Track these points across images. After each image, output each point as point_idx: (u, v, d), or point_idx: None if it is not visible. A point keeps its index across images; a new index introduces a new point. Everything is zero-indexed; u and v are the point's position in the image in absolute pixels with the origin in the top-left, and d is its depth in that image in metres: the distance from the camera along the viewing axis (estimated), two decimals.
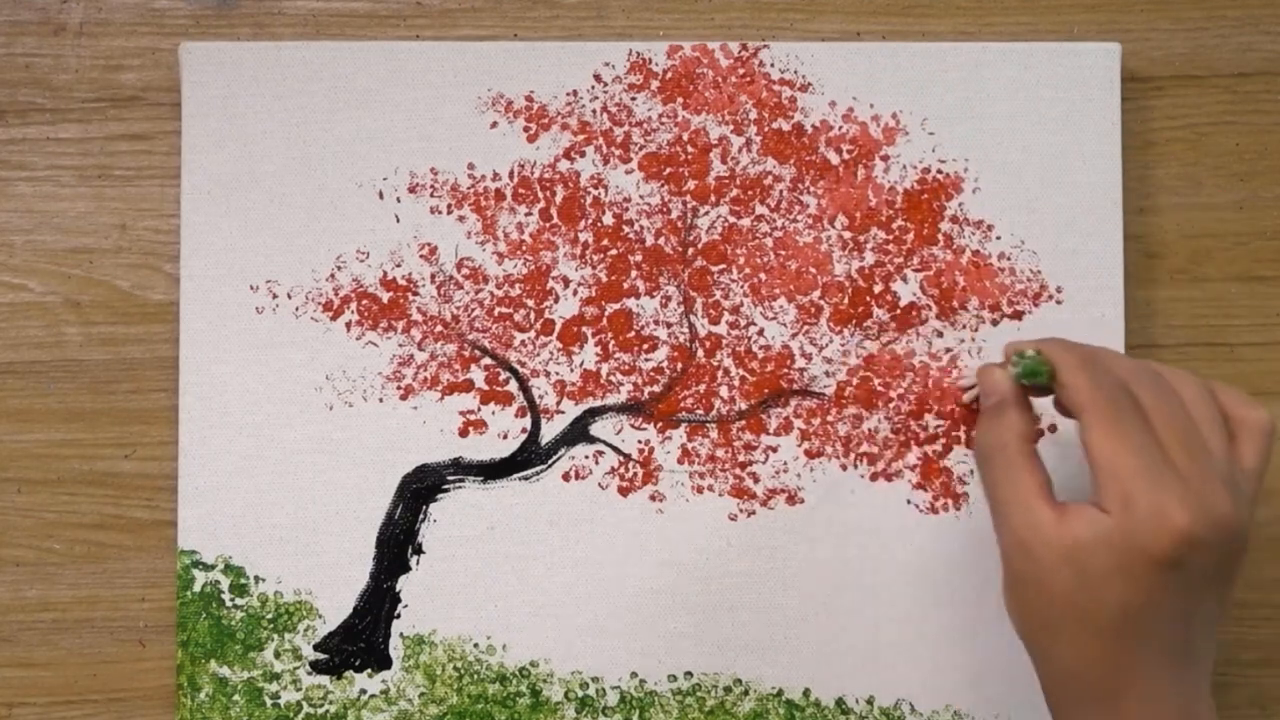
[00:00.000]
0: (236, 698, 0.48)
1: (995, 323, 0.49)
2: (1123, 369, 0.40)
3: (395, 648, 0.48)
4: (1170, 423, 0.38)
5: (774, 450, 0.49)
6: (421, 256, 0.49)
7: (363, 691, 0.48)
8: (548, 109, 0.49)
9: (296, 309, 0.49)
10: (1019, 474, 0.40)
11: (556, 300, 0.49)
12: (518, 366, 0.49)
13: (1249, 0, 0.51)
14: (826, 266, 0.49)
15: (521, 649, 0.48)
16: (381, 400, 0.49)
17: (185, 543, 0.48)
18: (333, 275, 0.49)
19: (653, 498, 0.49)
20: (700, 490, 0.49)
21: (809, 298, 0.49)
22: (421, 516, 0.48)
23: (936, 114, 0.49)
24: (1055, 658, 0.39)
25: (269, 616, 0.48)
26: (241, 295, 0.48)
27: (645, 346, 0.49)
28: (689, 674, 0.49)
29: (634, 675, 0.49)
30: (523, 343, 0.49)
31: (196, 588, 0.48)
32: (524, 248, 0.49)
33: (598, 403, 0.49)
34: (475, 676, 0.48)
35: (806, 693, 0.49)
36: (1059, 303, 0.49)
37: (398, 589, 0.48)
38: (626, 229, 0.49)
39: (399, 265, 0.49)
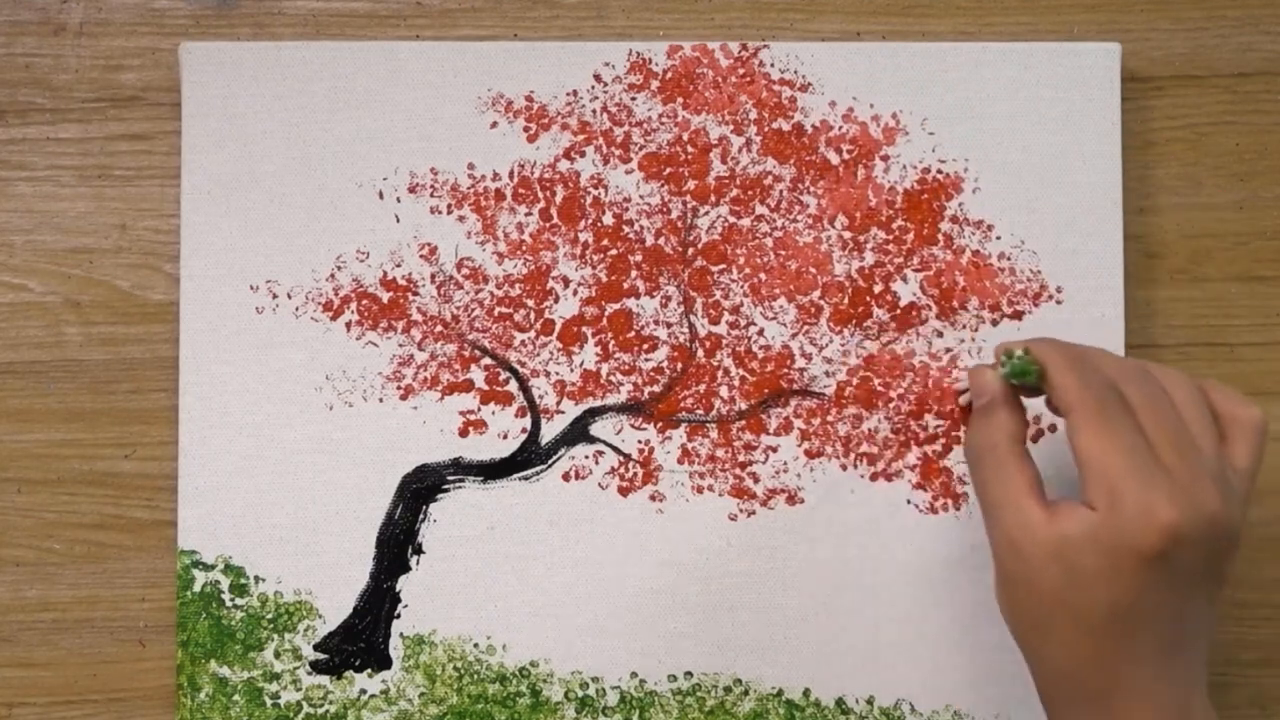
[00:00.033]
0: (236, 698, 0.48)
1: (995, 323, 0.49)
2: (1112, 368, 0.40)
3: (395, 648, 0.48)
4: (1159, 421, 0.38)
5: (774, 450, 0.49)
6: (421, 256, 0.49)
7: (363, 691, 0.48)
8: (548, 109, 0.49)
9: (296, 309, 0.49)
10: (1009, 473, 0.40)
11: (556, 300, 0.49)
12: (518, 366, 0.49)
13: (1249, 0, 0.51)
14: (826, 266, 0.49)
15: (521, 649, 0.48)
16: (381, 400, 0.49)
17: (185, 543, 0.48)
18: (333, 275, 0.49)
19: (653, 498, 0.49)
20: (700, 490, 0.49)
21: (809, 298, 0.49)
22: (421, 516, 0.48)
23: (936, 114, 0.49)
24: (1047, 656, 0.39)
25: (269, 616, 0.48)
26: (241, 295, 0.48)
27: (645, 346, 0.49)
28: (689, 674, 0.49)
29: (634, 675, 0.49)
30: (523, 343, 0.49)
31: (196, 588, 0.48)
32: (524, 248, 0.49)
33: (598, 403, 0.49)
34: (475, 676, 0.48)
35: (806, 693, 0.49)
36: (1059, 303, 0.49)
37: (398, 589, 0.48)
38: (626, 229, 0.49)
39: (399, 265, 0.49)
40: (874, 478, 0.49)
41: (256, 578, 0.48)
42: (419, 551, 0.48)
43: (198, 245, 0.48)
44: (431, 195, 0.49)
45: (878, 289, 0.49)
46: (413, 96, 0.49)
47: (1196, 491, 0.37)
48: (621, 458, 0.49)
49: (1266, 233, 0.51)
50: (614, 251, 0.49)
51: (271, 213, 0.49)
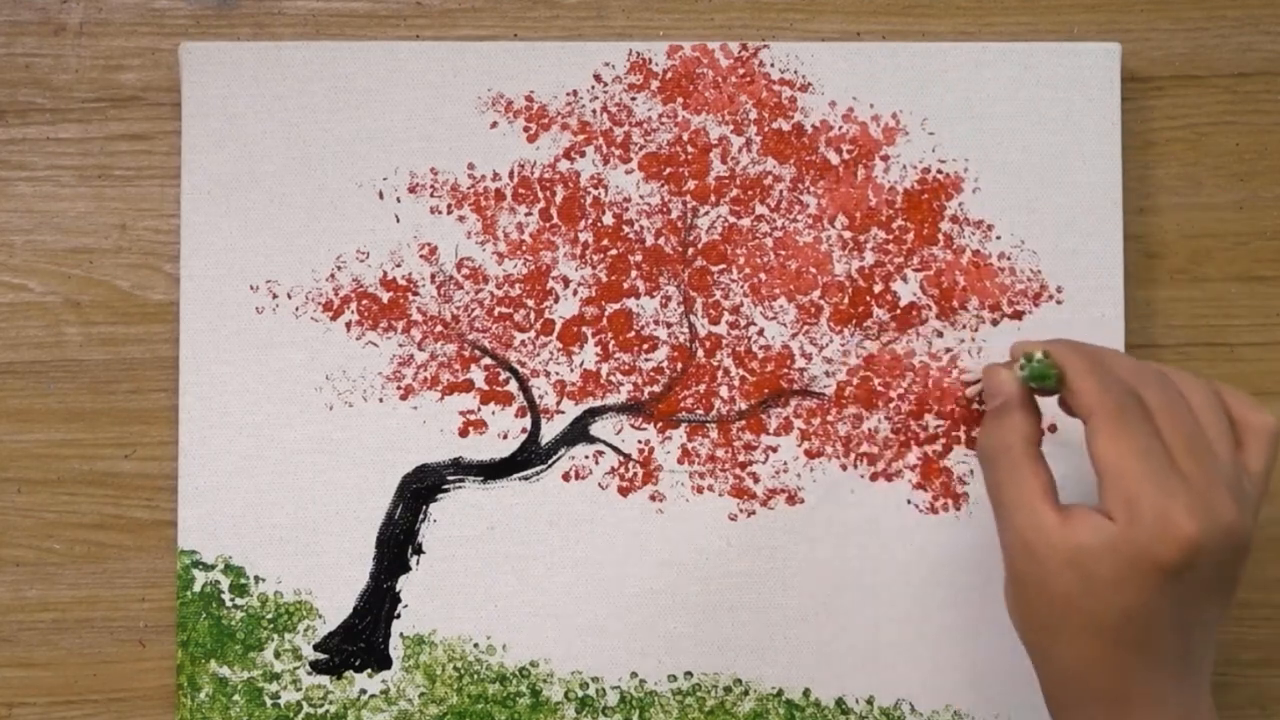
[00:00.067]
0: (236, 698, 0.48)
1: (995, 323, 0.49)
2: (1129, 372, 0.40)
3: (395, 648, 0.48)
4: (1177, 427, 0.38)
5: (774, 450, 0.49)
6: (421, 256, 0.49)
7: (363, 691, 0.48)
8: (548, 109, 0.49)
9: (296, 309, 0.49)
10: (1023, 476, 0.40)
11: (556, 300, 0.49)
12: (518, 366, 0.49)
13: (1249, 0, 0.51)
14: (826, 266, 0.49)
15: (521, 649, 0.48)
16: (381, 400, 0.49)
17: (185, 543, 0.48)
18: (333, 275, 0.49)
19: (653, 498, 0.49)
20: (700, 490, 0.49)
21: (809, 298, 0.49)
22: (421, 516, 0.48)
23: (936, 114, 0.49)
24: (1055, 659, 0.39)
25: (269, 616, 0.48)
26: (241, 295, 0.48)
27: (645, 346, 0.49)
28: (689, 674, 0.49)
29: (634, 675, 0.49)
30: (523, 343, 0.49)
31: (196, 588, 0.48)
32: (524, 248, 0.49)
33: (598, 403, 0.49)
34: (475, 676, 0.48)
35: (806, 693, 0.49)
36: (1059, 303, 0.49)
37: (398, 589, 0.48)
38: (626, 229, 0.49)
39: (399, 265, 0.49)
40: (874, 478, 0.49)
41: (256, 578, 0.48)
42: (419, 551, 0.48)
43: (198, 245, 0.48)
44: (431, 195, 0.49)
45: (878, 289, 0.49)
46: (413, 96, 0.49)
47: (1214, 501, 0.37)
48: (621, 458, 0.49)
49: (1266, 233, 0.51)
50: (614, 251, 0.49)
51: (271, 213, 0.49)
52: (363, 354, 0.49)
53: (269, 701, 0.48)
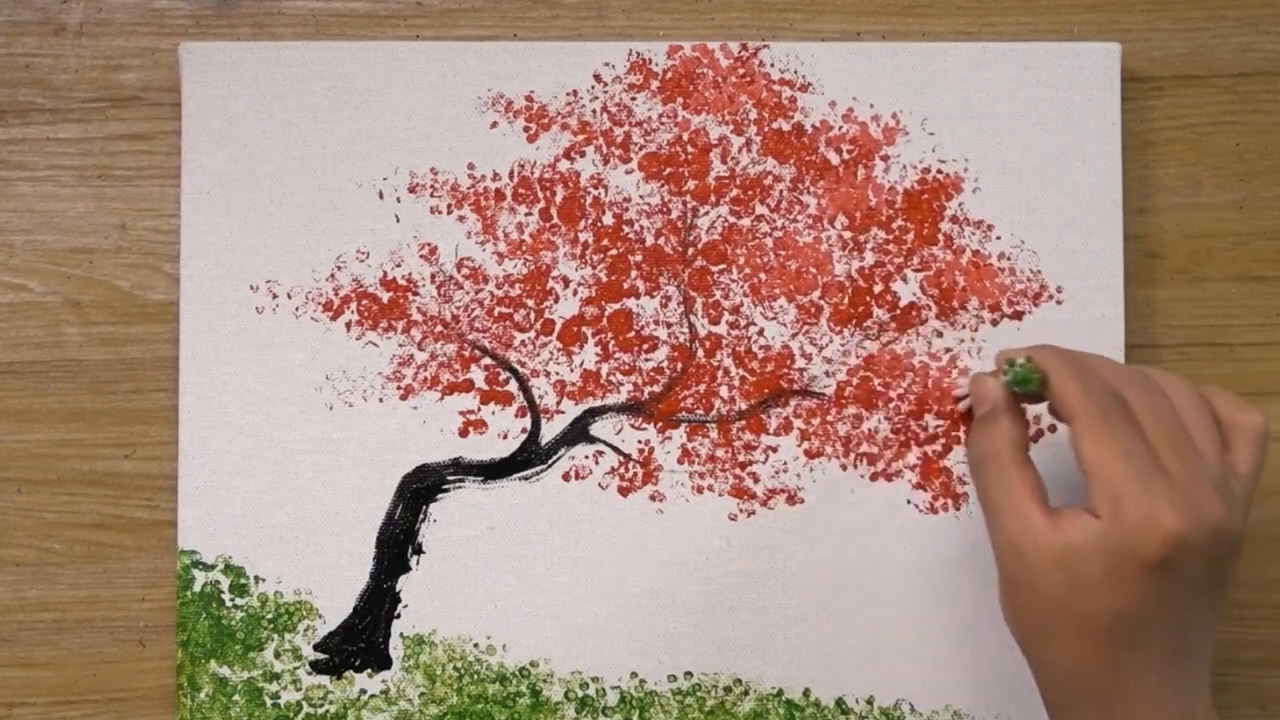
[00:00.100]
0: (236, 698, 0.48)
1: (995, 323, 0.49)
2: (1113, 374, 0.40)
3: (395, 648, 0.48)
4: (1161, 427, 0.38)
5: (774, 450, 0.49)
6: (421, 256, 0.49)
7: (363, 691, 0.48)
8: (548, 109, 0.49)
9: (296, 309, 0.49)
10: (1012, 480, 0.40)
11: (556, 300, 0.49)
12: (518, 366, 0.49)
13: (1249, 0, 0.51)
14: (826, 266, 0.49)
15: (521, 649, 0.48)
16: (381, 400, 0.49)
17: (185, 543, 0.48)
18: (333, 275, 0.49)
19: (653, 498, 0.49)
20: (700, 490, 0.49)
21: (809, 298, 0.49)
22: (421, 516, 0.48)
23: (936, 114, 0.49)
24: (1050, 661, 0.39)
25: (269, 616, 0.48)
26: (241, 295, 0.48)
27: (645, 346, 0.49)
28: (689, 674, 0.49)
29: (634, 675, 0.49)
30: (523, 343, 0.49)
31: (196, 588, 0.48)
32: (524, 248, 0.49)
33: (598, 403, 0.49)
34: (475, 676, 0.48)
35: (806, 693, 0.49)
36: (1059, 303, 0.49)
37: (398, 589, 0.48)
38: (626, 229, 0.49)
39: (399, 265, 0.49)
40: (874, 478, 0.49)
41: (256, 578, 0.48)
42: (419, 551, 0.48)
43: (198, 245, 0.48)
44: (431, 195, 0.49)
45: (878, 289, 0.49)
46: (413, 96, 0.49)
47: (1199, 498, 0.37)
48: (621, 458, 0.49)
49: (1266, 233, 0.51)
50: (614, 251, 0.49)
51: (271, 213, 0.49)
52: (363, 354, 0.49)
53: (269, 701, 0.48)
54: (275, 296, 0.49)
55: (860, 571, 0.49)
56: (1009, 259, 0.49)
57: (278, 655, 0.48)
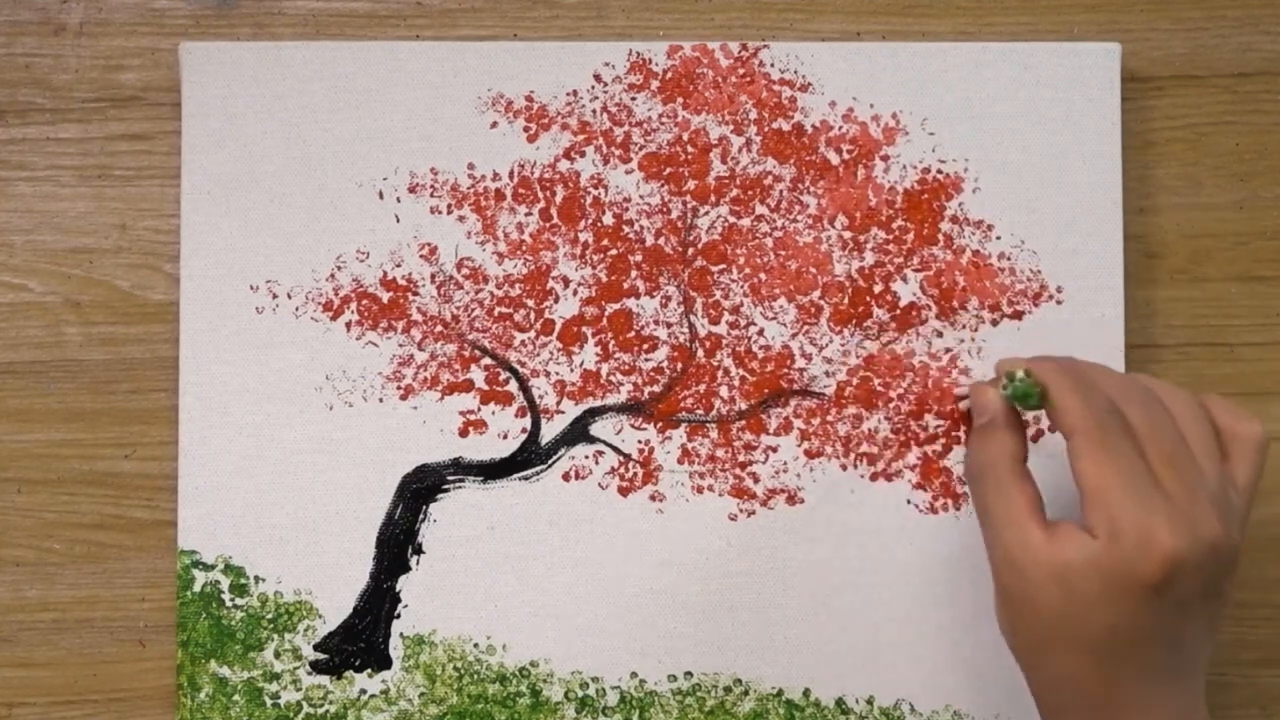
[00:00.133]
0: (236, 698, 0.48)
1: (995, 323, 0.49)
2: (1113, 387, 0.40)
3: (395, 648, 0.48)
4: (1159, 443, 0.38)
5: (774, 450, 0.49)
6: (421, 256, 0.49)
7: (363, 691, 0.48)
8: (548, 109, 0.49)
9: (296, 309, 0.49)
10: (1009, 493, 0.40)
11: (556, 300, 0.49)
12: (518, 366, 0.49)
13: (1249, 0, 0.51)
14: (826, 266, 0.49)
15: (521, 649, 0.48)
16: (381, 400, 0.49)
17: (185, 543, 0.48)
18: (333, 275, 0.49)
19: (653, 498, 0.49)
20: (700, 490, 0.49)
21: (809, 298, 0.49)
22: (421, 516, 0.48)
23: (936, 114, 0.49)
24: (1046, 674, 0.39)
25: (269, 616, 0.48)
26: (241, 295, 0.48)
27: (645, 346, 0.49)
28: (689, 674, 0.49)
29: (634, 675, 0.49)
30: (523, 343, 0.49)
31: (196, 588, 0.48)
32: (524, 248, 0.49)
33: (598, 403, 0.49)
34: (475, 676, 0.48)
35: (806, 693, 0.49)
36: (1059, 303, 0.49)
37: (398, 589, 0.48)
38: (626, 229, 0.49)
39: (399, 265, 0.49)
40: (874, 478, 0.49)
41: (256, 578, 0.48)
42: (419, 551, 0.48)
43: (198, 245, 0.48)
44: (431, 195, 0.49)
45: (878, 289, 0.49)
46: (413, 96, 0.49)
47: (1196, 517, 0.37)
48: (621, 458, 0.49)
49: (1266, 233, 0.51)
50: (614, 251, 0.49)
51: (271, 213, 0.49)
52: (363, 354, 0.49)
53: (269, 701, 0.48)
54: (275, 296, 0.49)
55: (860, 571, 0.49)
56: (1009, 259, 0.49)
57: (278, 655, 0.48)
